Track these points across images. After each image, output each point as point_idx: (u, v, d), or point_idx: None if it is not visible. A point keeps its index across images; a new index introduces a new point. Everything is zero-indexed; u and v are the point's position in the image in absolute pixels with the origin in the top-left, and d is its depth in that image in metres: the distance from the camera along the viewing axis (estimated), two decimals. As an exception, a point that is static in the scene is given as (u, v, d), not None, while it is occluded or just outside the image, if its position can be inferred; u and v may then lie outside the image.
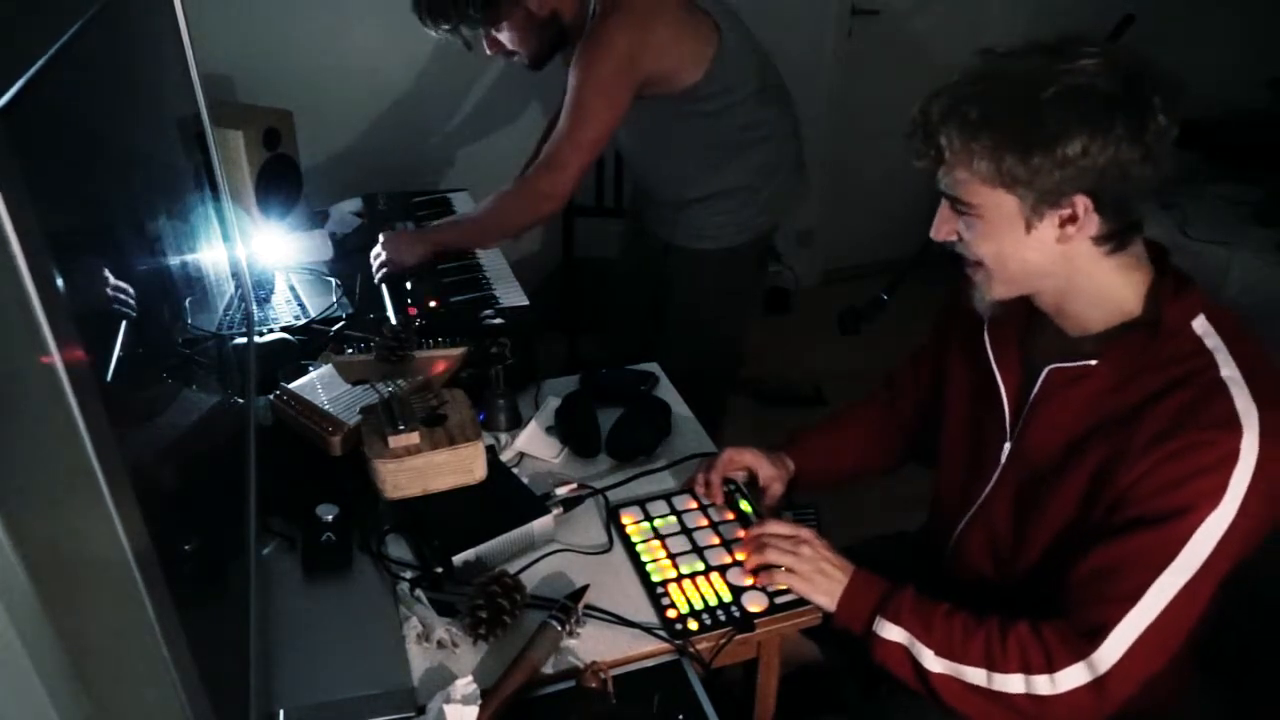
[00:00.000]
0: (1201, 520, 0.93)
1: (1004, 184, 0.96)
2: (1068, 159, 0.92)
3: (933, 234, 1.07)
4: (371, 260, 1.83)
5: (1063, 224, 0.97)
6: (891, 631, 1.08)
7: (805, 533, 1.17)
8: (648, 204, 2.05)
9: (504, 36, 1.75)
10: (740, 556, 1.21)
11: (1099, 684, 0.97)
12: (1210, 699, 1.22)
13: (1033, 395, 1.10)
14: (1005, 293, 1.06)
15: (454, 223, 1.86)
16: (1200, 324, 1.00)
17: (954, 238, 1.06)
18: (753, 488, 1.33)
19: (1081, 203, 0.95)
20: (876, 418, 1.43)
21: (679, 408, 1.54)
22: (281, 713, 0.98)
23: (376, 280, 1.80)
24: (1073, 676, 0.99)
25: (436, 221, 1.90)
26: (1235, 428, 0.93)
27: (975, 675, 1.03)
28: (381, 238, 1.83)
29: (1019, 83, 0.94)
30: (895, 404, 1.42)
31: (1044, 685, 1.00)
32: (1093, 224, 0.97)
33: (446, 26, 1.70)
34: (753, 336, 2.18)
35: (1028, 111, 0.92)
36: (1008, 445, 1.15)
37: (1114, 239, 0.99)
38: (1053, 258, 1.00)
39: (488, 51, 1.80)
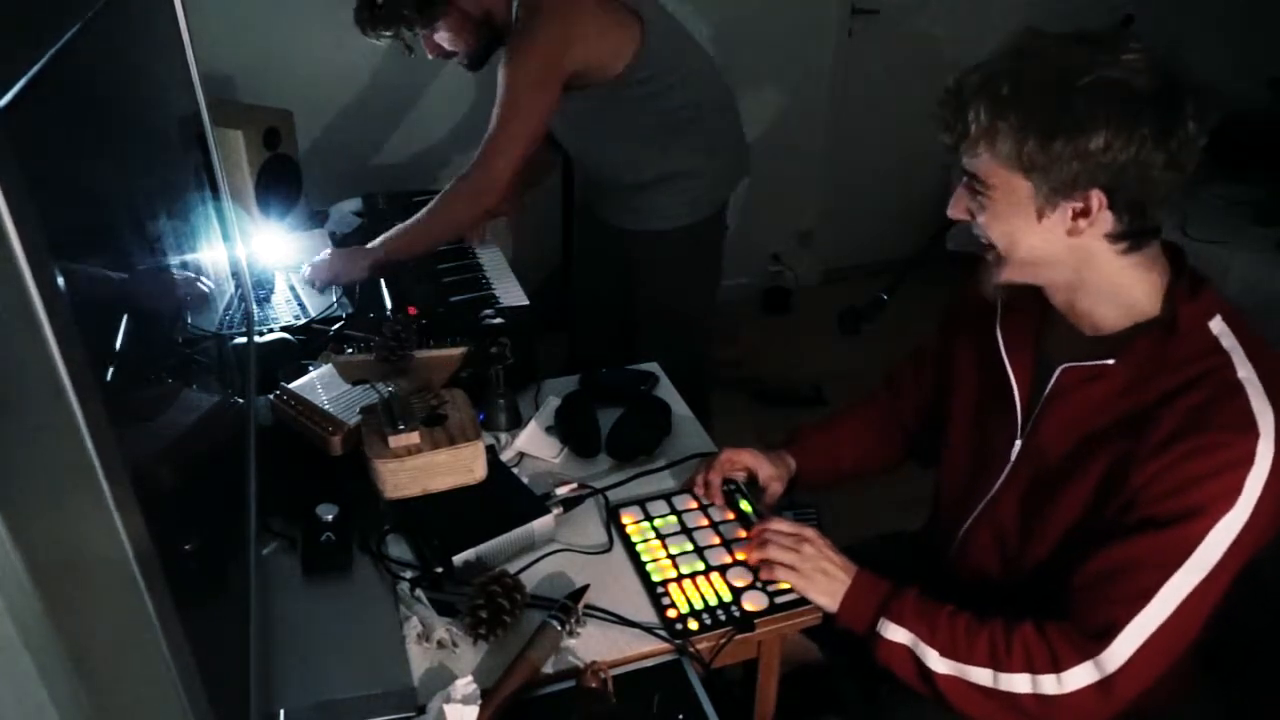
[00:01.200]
0: (1215, 522, 0.93)
1: (1022, 167, 0.95)
2: (1088, 151, 0.91)
3: (949, 211, 1.07)
4: (307, 268, 1.80)
5: (1075, 216, 0.97)
6: (895, 632, 1.08)
7: (809, 532, 1.17)
8: (601, 195, 2.09)
9: (441, 37, 1.80)
10: (741, 556, 1.21)
11: (1106, 684, 0.97)
12: (1212, 699, 1.22)
13: (1045, 394, 1.10)
14: (1013, 277, 1.05)
15: (401, 233, 1.82)
16: (1217, 325, 0.99)
17: (967, 216, 1.05)
18: (752, 487, 1.33)
19: (1096, 198, 0.94)
20: (877, 416, 1.43)
21: (679, 408, 1.54)
22: (282, 713, 0.98)
23: (315, 286, 1.80)
24: (1079, 676, 0.98)
25: (382, 236, 1.83)
26: (1251, 429, 0.93)
27: (980, 675, 1.03)
28: (328, 251, 1.83)
29: (1055, 67, 0.93)
30: (895, 403, 1.42)
31: (1050, 685, 1.00)
32: (1106, 221, 0.96)
33: (388, 33, 1.75)
34: (753, 336, 2.17)
35: (1058, 97, 0.92)
36: (1018, 443, 1.14)
37: (1128, 239, 0.98)
38: (1062, 249, 1.00)
39: (429, 55, 1.85)
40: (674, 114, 1.87)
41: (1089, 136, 0.91)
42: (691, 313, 2.10)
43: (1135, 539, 0.97)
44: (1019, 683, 1.01)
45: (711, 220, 2.02)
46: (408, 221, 1.82)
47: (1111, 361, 1.02)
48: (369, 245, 1.83)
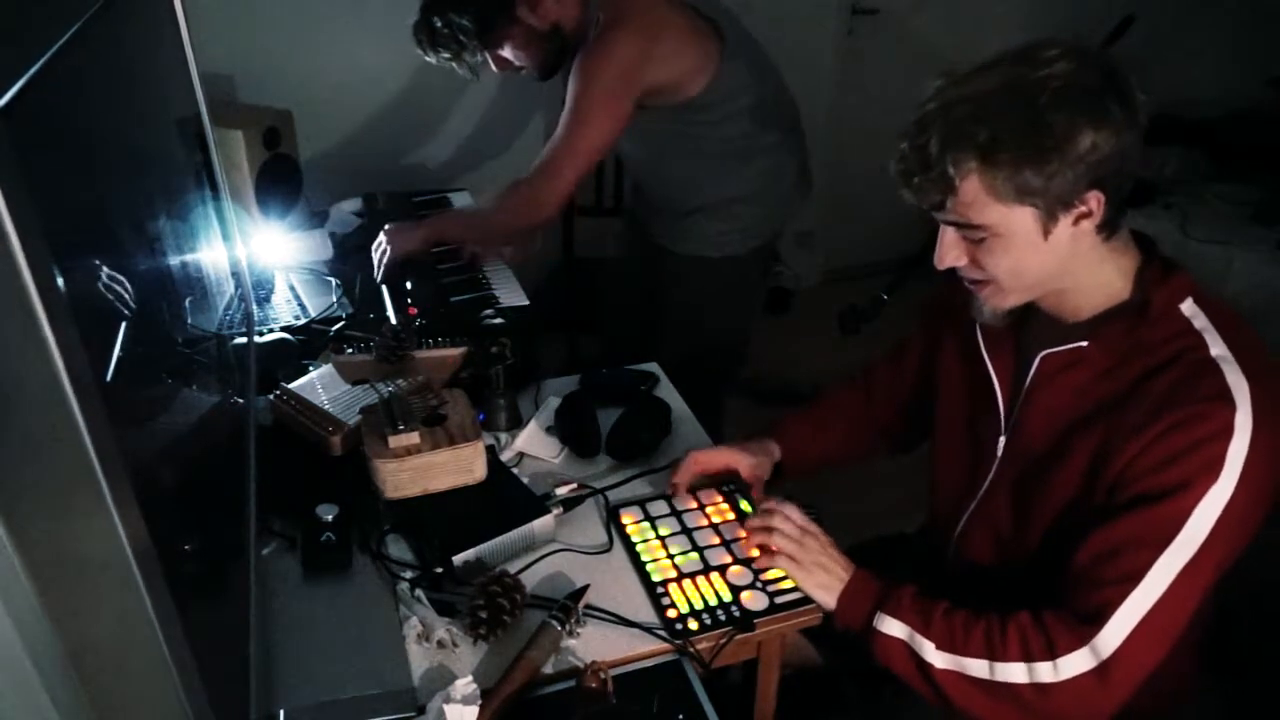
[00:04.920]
0: (1201, 496, 0.93)
1: (1018, 198, 0.95)
2: (1079, 157, 0.92)
3: (938, 263, 1.06)
4: (373, 251, 1.81)
5: (1077, 221, 0.97)
6: (892, 626, 1.08)
7: (814, 528, 1.18)
8: (650, 210, 2.04)
9: (508, 54, 1.77)
10: (752, 554, 1.21)
11: (1102, 669, 0.97)
12: (1213, 700, 1.22)
13: (1026, 383, 1.11)
14: (1019, 301, 1.06)
15: (455, 215, 1.86)
16: (1188, 306, 1.01)
17: (964, 262, 1.04)
18: (739, 483, 1.33)
19: (1094, 197, 0.95)
20: (854, 410, 1.43)
21: (679, 408, 1.54)
22: (281, 713, 0.98)
23: (379, 275, 1.79)
24: (1075, 662, 0.98)
25: (438, 213, 1.87)
26: (1228, 402, 0.94)
27: (977, 667, 1.03)
28: (386, 227, 1.82)
29: (1009, 96, 0.93)
30: (873, 398, 1.42)
31: (1046, 672, 0.99)
32: (1100, 214, 0.97)
33: (448, 55, 1.72)
34: (753, 336, 2.18)
35: (1032, 121, 0.92)
36: (1003, 439, 1.15)
37: (1112, 223, 1.00)
38: (1065, 256, 1.00)
39: (495, 70, 1.81)
40: (737, 142, 1.82)
41: (1076, 143, 0.92)
42: (720, 337, 2.04)
43: (1123, 520, 0.97)
44: (1015, 672, 1.01)
45: (759, 252, 1.95)
46: (461, 209, 1.80)
47: (1086, 344, 1.04)
48: (423, 220, 1.83)
